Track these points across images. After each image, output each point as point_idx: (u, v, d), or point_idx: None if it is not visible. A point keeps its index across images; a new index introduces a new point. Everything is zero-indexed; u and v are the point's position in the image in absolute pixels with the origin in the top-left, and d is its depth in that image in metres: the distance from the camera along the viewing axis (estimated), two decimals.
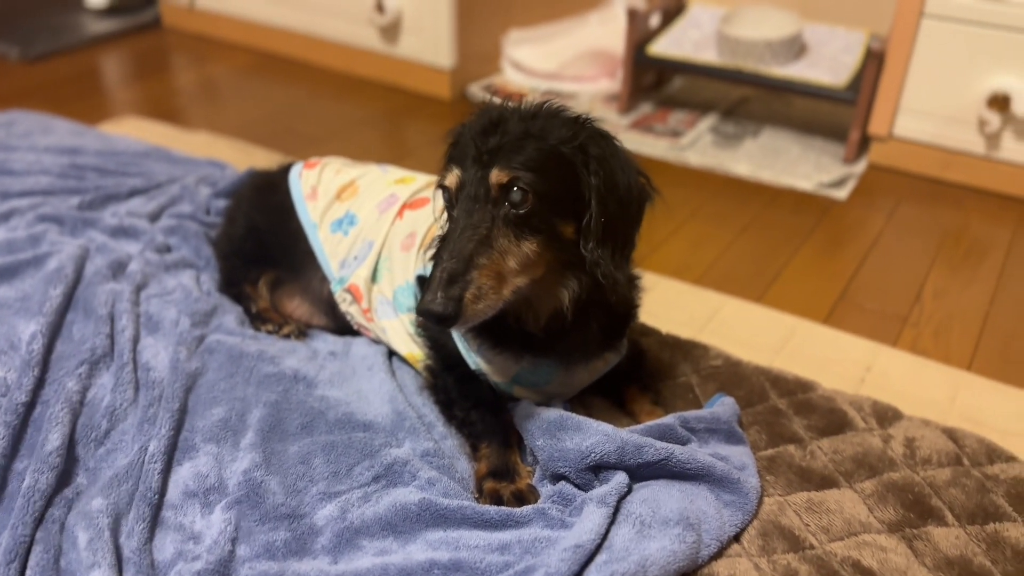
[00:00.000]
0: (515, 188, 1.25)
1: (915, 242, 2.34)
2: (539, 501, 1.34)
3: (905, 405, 1.62)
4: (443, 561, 1.20)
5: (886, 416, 1.55)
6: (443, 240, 1.29)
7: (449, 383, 1.51)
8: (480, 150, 1.27)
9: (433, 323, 1.23)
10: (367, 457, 1.39)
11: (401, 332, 1.63)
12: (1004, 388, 1.75)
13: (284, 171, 1.89)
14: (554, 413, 1.40)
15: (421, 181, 1.77)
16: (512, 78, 3.28)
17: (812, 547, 1.27)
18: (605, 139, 1.34)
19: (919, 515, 1.33)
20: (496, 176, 1.25)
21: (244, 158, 2.57)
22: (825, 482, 1.40)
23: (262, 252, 1.83)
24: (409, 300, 1.60)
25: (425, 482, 1.34)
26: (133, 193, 2.19)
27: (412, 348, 1.61)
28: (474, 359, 1.49)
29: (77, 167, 2.27)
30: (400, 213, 1.69)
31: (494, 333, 1.43)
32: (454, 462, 1.42)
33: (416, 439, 1.44)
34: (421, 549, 1.23)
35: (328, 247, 1.74)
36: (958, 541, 1.29)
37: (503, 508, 1.28)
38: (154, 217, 2.09)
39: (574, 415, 1.39)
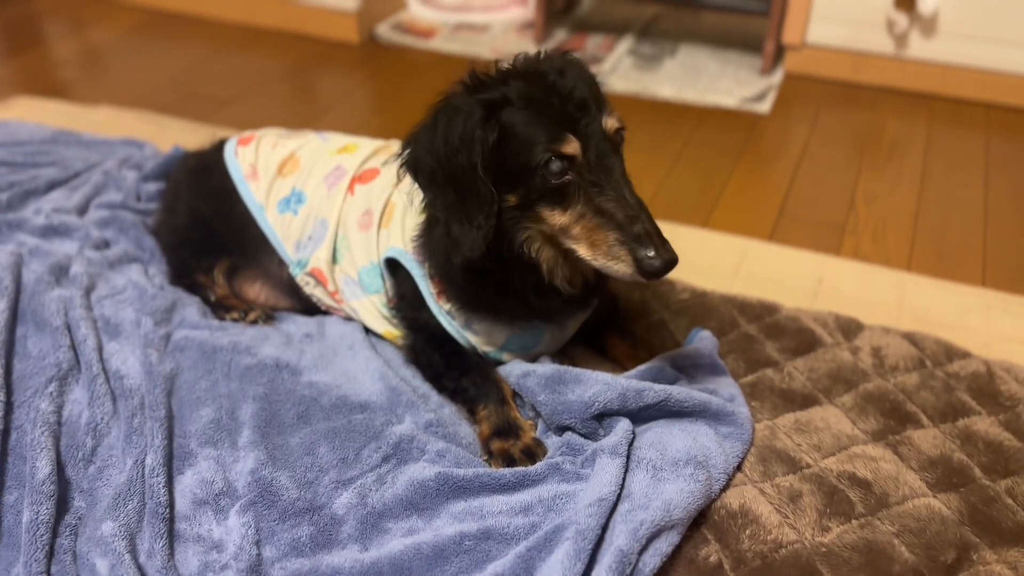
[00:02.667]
0: (621, 129, 1.32)
1: (840, 148, 2.43)
2: (548, 453, 1.38)
3: (860, 312, 1.72)
4: (472, 532, 1.22)
5: (850, 329, 1.64)
6: (612, 200, 1.29)
7: (434, 359, 1.51)
8: (566, 108, 1.28)
9: (665, 272, 1.25)
10: (372, 439, 1.39)
11: (373, 311, 1.61)
12: (944, 284, 1.87)
13: (218, 149, 1.80)
14: (550, 368, 1.42)
15: (365, 149, 1.71)
16: (420, 14, 3.19)
17: (808, 466, 1.36)
18: None
19: (898, 421, 1.43)
20: (611, 123, 1.30)
21: (158, 132, 2.44)
22: (807, 401, 1.49)
23: (211, 240, 1.75)
24: (376, 281, 1.57)
25: (435, 455, 1.36)
26: (52, 186, 2.06)
27: (387, 326, 1.60)
28: (461, 333, 1.49)
29: None
30: (350, 188, 1.63)
31: (484, 304, 1.44)
32: (457, 429, 1.43)
33: (416, 412, 1.44)
34: (448, 523, 1.25)
35: (279, 229, 1.68)
36: (936, 441, 1.39)
37: (518, 469, 1.31)
38: (82, 210, 1.97)
39: (571, 368, 1.42)
